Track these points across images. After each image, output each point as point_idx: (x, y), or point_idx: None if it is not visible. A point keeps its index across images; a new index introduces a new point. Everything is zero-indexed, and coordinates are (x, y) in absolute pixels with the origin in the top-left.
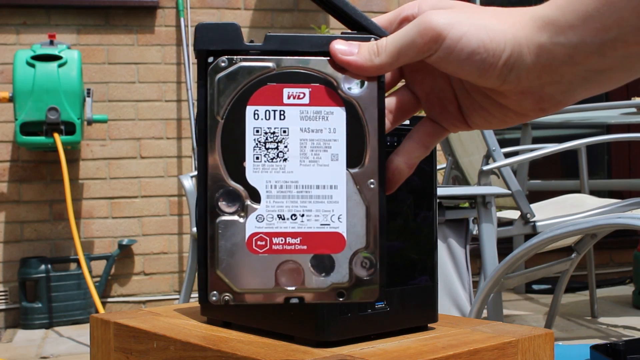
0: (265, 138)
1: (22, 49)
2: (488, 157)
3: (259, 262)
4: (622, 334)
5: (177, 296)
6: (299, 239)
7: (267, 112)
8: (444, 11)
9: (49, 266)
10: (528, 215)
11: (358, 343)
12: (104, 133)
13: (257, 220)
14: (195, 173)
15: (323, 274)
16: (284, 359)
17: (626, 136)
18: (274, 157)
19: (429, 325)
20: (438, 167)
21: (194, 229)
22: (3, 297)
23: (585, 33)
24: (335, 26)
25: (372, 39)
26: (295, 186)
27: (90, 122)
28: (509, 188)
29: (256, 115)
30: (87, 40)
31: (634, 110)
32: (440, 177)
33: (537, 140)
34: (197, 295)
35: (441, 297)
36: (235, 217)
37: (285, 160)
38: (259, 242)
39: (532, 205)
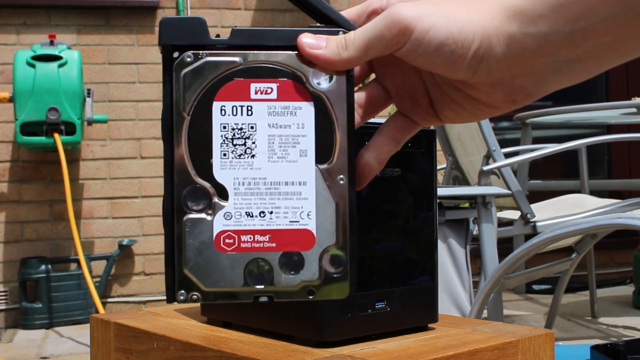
0: (232, 134)
1: (23, 49)
2: (488, 157)
3: (227, 261)
4: (622, 334)
5: None
6: (267, 237)
7: (234, 108)
8: (412, 3)
9: (49, 266)
10: (528, 216)
11: (358, 343)
12: (104, 133)
13: (225, 218)
14: None
15: (292, 272)
16: (284, 359)
17: (626, 136)
18: (241, 154)
19: (429, 325)
20: (438, 167)
21: None
22: (3, 297)
23: (555, 23)
24: None
25: (340, 32)
26: (264, 183)
27: (90, 122)
28: (509, 188)
29: (223, 111)
30: (88, 41)
31: (634, 110)
32: (440, 177)
33: (537, 140)
34: None
35: (441, 297)
36: (203, 215)
37: (253, 156)
38: (227, 240)
39: (532, 206)
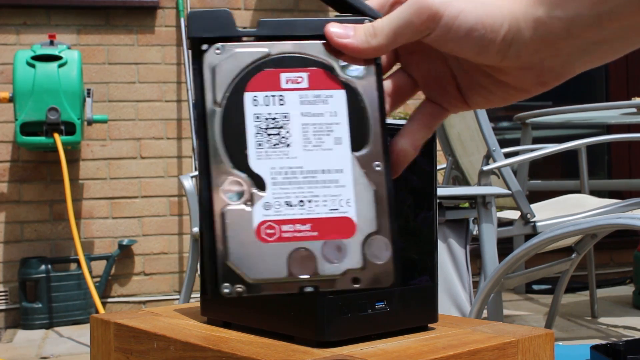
0: (266, 124)
1: (22, 49)
2: (488, 157)
3: (269, 251)
4: (622, 334)
5: (177, 296)
6: (308, 225)
7: (266, 98)
8: None
9: (49, 266)
10: (528, 216)
11: (358, 343)
12: (104, 133)
13: (265, 208)
14: (196, 173)
15: (336, 260)
16: (284, 359)
17: (626, 136)
18: (276, 143)
19: (429, 325)
20: (438, 167)
21: (195, 229)
22: (3, 297)
23: (581, 5)
24: None
25: (367, 20)
26: (301, 171)
27: (90, 122)
28: (509, 188)
29: (255, 102)
30: (87, 41)
31: (634, 110)
32: (440, 177)
33: (537, 140)
34: (197, 295)
35: (441, 297)
36: (242, 206)
37: (288, 145)
38: (267, 231)
39: (532, 206)
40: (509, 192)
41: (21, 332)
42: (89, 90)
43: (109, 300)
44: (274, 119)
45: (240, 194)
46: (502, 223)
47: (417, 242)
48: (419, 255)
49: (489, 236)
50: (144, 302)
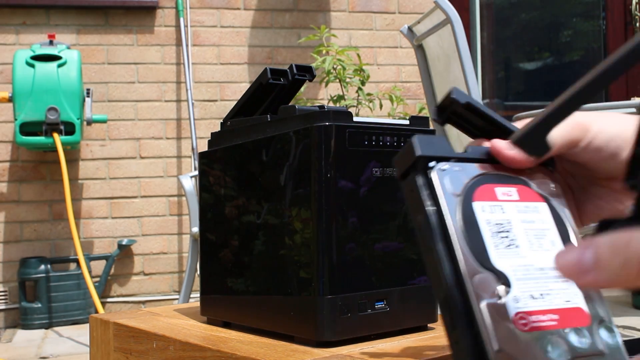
0: (496, 229)
1: (22, 49)
2: None
3: (529, 339)
4: (622, 334)
5: (177, 296)
6: (553, 315)
7: (491, 207)
8: (584, 113)
9: (49, 266)
10: None
11: (358, 343)
12: (104, 133)
13: (514, 301)
14: (195, 173)
15: (583, 346)
16: (284, 359)
17: None
18: (508, 245)
19: (428, 325)
20: None
21: (194, 229)
22: (3, 297)
23: None
24: (334, 26)
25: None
26: (534, 269)
27: (89, 122)
28: None
29: (483, 210)
30: (87, 41)
31: (633, 110)
32: None
33: None
34: (197, 295)
35: None
36: (495, 300)
37: (517, 247)
38: (521, 321)
39: None
40: None
41: (21, 332)
42: (88, 90)
43: (109, 300)
44: (500, 224)
45: (491, 289)
46: None
47: (416, 242)
48: (418, 255)
49: None
50: (144, 302)
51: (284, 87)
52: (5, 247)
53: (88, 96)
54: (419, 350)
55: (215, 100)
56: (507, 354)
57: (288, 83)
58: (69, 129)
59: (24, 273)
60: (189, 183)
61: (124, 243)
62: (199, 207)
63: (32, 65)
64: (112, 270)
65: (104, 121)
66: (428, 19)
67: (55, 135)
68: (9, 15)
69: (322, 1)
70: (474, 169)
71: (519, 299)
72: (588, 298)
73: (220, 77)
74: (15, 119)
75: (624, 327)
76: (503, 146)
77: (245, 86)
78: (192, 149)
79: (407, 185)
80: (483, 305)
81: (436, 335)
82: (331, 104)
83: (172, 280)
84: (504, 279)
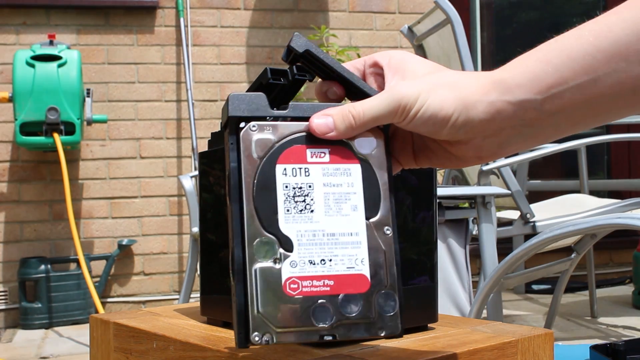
0: (293, 192)
1: (22, 49)
2: None
3: (295, 304)
4: (622, 334)
5: (177, 296)
6: (329, 281)
7: (294, 170)
8: (414, 82)
9: (49, 266)
10: (528, 216)
11: (358, 343)
12: (104, 133)
13: (291, 266)
14: (195, 173)
15: (351, 312)
16: (284, 359)
17: (626, 136)
18: (302, 209)
19: (429, 325)
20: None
21: (194, 229)
22: (3, 297)
23: (529, 91)
24: (335, 26)
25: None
26: (323, 234)
27: (90, 122)
28: (508, 188)
29: (285, 173)
30: (87, 40)
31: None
32: (440, 177)
33: None
34: (197, 295)
35: (441, 297)
36: (271, 264)
37: (312, 211)
38: (292, 285)
39: (531, 206)
40: (509, 192)
41: (21, 332)
42: (88, 90)
43: (109, 300)
44: (300, 188)
45: (270, 253)
46: (502, 223)
47: (416, 242)
48: (418, 255)
49: (489, 236)
50: (144, 302)
51: (284, 87)
52: (5, 247)
53: (88, 96)
54: (419, 350)
55: (215, 100)
56: (268, 316)
57: (288, 83)
58: (69, 129)
59: (24, 273)
60: (189, 183)
61: (124, 243)
62: (199, 207)
63: (32, 65)
64: (112, 270)
65: (104, 121)
66: (428, 19)
67: (56, 135)
68: (9, 15)
69: (322, 1)
70: (289, 128)
71: (297, 264)
72: (378, 265)
73: (220, 77)
74: (16, 119)
75: (624, 327)
76: (320, 129)
77: (245, 86)
78: (192, 149)
79: (224, 140)
80: (255, 268)
81: (436, 336)
82: None
83: (172, 280)
84: (287, 244)
